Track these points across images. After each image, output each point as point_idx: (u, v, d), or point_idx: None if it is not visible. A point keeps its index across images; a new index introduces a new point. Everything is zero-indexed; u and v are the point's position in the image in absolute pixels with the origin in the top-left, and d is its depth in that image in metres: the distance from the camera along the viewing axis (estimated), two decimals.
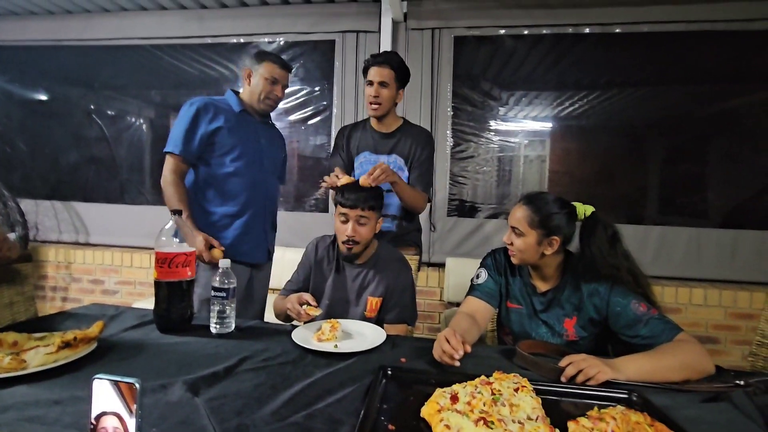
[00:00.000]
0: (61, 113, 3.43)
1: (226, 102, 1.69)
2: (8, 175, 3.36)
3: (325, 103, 3.01)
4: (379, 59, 1.70)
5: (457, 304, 2.78)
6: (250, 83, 1.69)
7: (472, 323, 1.16)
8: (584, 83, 2.87)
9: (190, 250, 1.15)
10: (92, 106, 3.41)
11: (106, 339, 1.04)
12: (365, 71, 1.74)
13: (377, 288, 1.40)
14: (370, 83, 1.70)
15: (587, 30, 2.72)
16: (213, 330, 1.15)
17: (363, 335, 1.18)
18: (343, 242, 1.36)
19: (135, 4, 3.04)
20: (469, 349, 0.92)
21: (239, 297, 1.59)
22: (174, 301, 1.13)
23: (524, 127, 2.98)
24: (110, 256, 3.09)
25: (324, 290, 1.43)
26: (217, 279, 1.15)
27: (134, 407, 0.55)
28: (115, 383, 0.56)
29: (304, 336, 1.12)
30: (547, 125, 2.98)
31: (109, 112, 3.42)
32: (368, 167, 1.73)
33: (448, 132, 2.88)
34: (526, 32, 2.77)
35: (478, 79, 2.94)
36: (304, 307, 1.22)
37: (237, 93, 1.73)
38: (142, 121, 3.48)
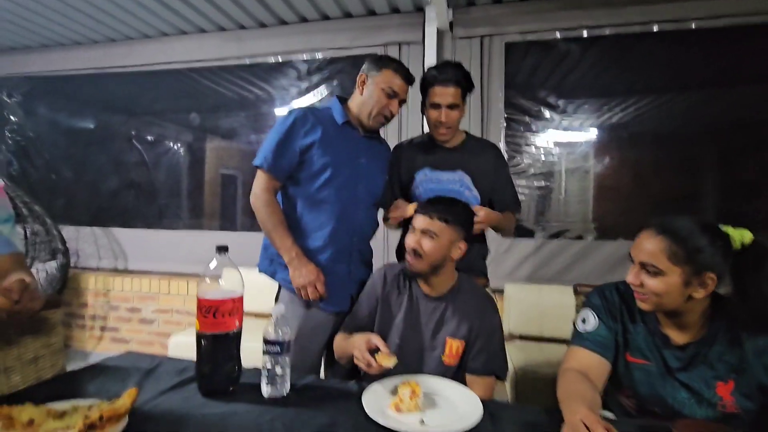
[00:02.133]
0: (103, 140, 3.45)
1: (328, 111, 1.44)
2: (52, 202, 3.37)
3: None
4: (445, 77, 1.43)
5: (522, 338, 2.50)
6: (363, 92, 1.42)
7: (593, 387, 0.90)
8: (656, 85, 2.59)
9: (238, 296, 0.95)
10: (133, 132, 3.41)
11: (139, 407, 0.85)
12: (425, 89, 1.48)
13: (459, 328, 1.16)
14: (436, 106, 1.45)
15: (656, 28, 2.44)
16: (264, 393, 0.94)
17: (449, 402, 0.94)
18: (408, 253, 1.16)
19: (175, 28, 3.01)
20: None
21: (316, 351, 1.39)
22: (220, 358, 0.93)
23: (587, 136, 2.71)
24: (148, 283, 3.00)
25: (392, 328, 1.21)
26: (270, 329, 0.95)
27: None
28: None
29: (378, 404, 0.89)
30: (614, 133, 2.69)
31: (148, 138, 3.40)
32: (429, 186, 1.51)
33: (501, 144, 2.63)
34: (585, 34, 2.52)
35: (532, 87, 2.71)
36: (376, 355, 0.99)
37: (343, 101, 1.48)
38: (179, 145, 3.45)
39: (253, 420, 0.82)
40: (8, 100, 3.47)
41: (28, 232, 2.94)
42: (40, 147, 3.47)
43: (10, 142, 3.46)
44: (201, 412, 0.85)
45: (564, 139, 2.72)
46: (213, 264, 0.95)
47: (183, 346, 2.29)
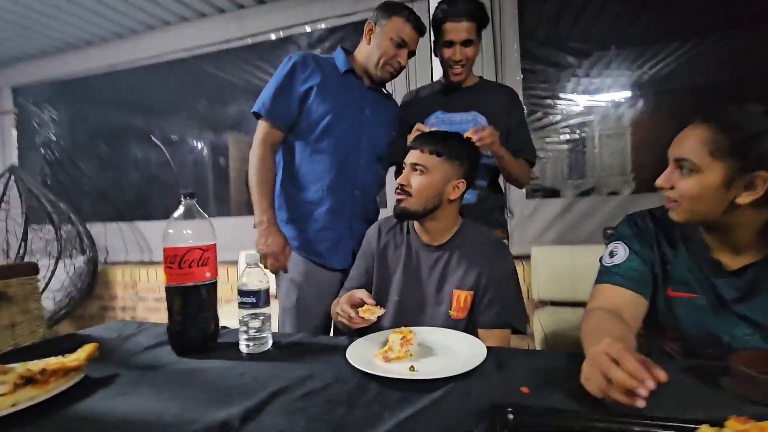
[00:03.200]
0: (120, 136, 3.50)
1: (331, 60, 1.36)
2: (81, 201, 3.48)
3: None
4: (456, 11, 1.30)
5: (552, 304, 2.31)
6: (370, 41, 1.32)
7: (623, 325, 0.74)
8: (682, 25, 2.28)
9: (208, 243, 0.86)
10: (147, 126, 3.44)
11: (109, 365, 0.78)
12: (437, 26, 1.35)
13: (465, 278, 1.01)
14: (449, 43, 1.33)
15: None
16: (243, 349, 0.84)
17: (450, 349, 0.80)
18: (395, 190, 1.04)
19: (177, 15, 2.99)
20: (663, 376, 0.51)
21: (321, 313, 1.29)
22: (190, 312, 0.84)
23: (610, 85, 2.44)
24: None
25: (391, 285, 1.08)
26: (244, 279, 0.85)
27: None
28: None
29: (363, 354, 0.77)
30: (652, 81, 2.40)
31: (162, 130, 3.42)
32: (443, 128, 1.37)
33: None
34: None
35: (555, 36, 2.47)
36: (360, 309, 0.87)
37: (349, 52, 1.39)
38: (193, 135, 3.45)
39: (220, 375, 0.73)
40: (34, 107, 3.60)
41: (59, 232, 3.04)
42: (65, 148, 3.58)
43: (39, 146, 3.59)
44: (169, 369, 0.77)
45: (594, 90, 2.46)
46: (179, 211, 0.86)
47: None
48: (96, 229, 3.31)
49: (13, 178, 3.09)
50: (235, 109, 3.32)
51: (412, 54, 1.35)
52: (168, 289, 0.84)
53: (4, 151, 3.60)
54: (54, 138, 3.59)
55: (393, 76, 1.35)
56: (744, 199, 0.70)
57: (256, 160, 1.27)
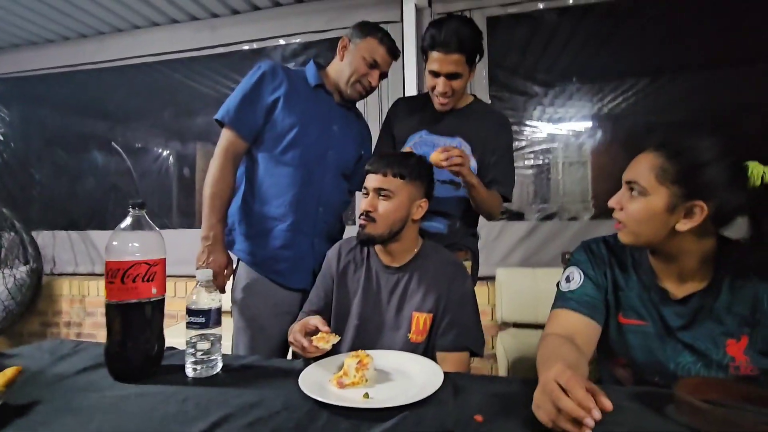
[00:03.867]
0: (78, 140, 3.33)
1: (302, 72, 1.33)
2: (29, 207, 3.25)
3: None
4: (447, 40, 1.19)
5: (515, 325, 2.33)
6: (343, 57, 1.31)
7: (577, 351, 0.75)
8: (639, 64, 2.45)
9: (156, 258, 0.81)
10: (109, 132, 3.29)
11: (33, 391, 0.70)
12: (424, 50, 1.27)
13: (424, 301, 1.00)
14: (435, 73, 1.25)
15: None
16: (189, 373, 0.79)
17: (406, 375, 0.78)
18: (359, 216, 1.01)
19: (147, 20, 2.91)
20: (609, 405, 0.51)
21: (277, 334, 1.23)
22: (132, 332, 0.78)
23: (573, 115, 2.57)
24: None
25: (351, 308, 1.06)
26: (194, 297, 0.80)
27: None
28: None
29: (317, 379, 0.74)
30: (611, 115, 2.55)
31: (125, 137, 3.28)
32: (422, 150, 1.31)
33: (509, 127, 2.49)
34: (571, 2, 2.39)
35: (518, 64, 2.58)
36: (315, 337, 0.83)
37: (321, 66, 1.37)
38: (157, 143, 3.33)
39: (158, 401, 0.67)
40: None
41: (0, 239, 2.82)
42: (16, 151, 3.35)
43: None
44: (102, 394, 0.71)
45: (557, 119, 2.58)
46: (126, 222, 0.81)
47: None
48: (43, 238, 3.10)
49: None
50: (203, 118, 3.24)
51: (383, 76, 1.34)
52: (108, 306, 0.78)
53: None
54: (2, 139, 3.36)
55: (363, 95, 1.34)
56: (683, 226, 0.73)
57: (214, 169, 1.23)
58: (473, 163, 1.34)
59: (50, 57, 3.16)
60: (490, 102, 2.50)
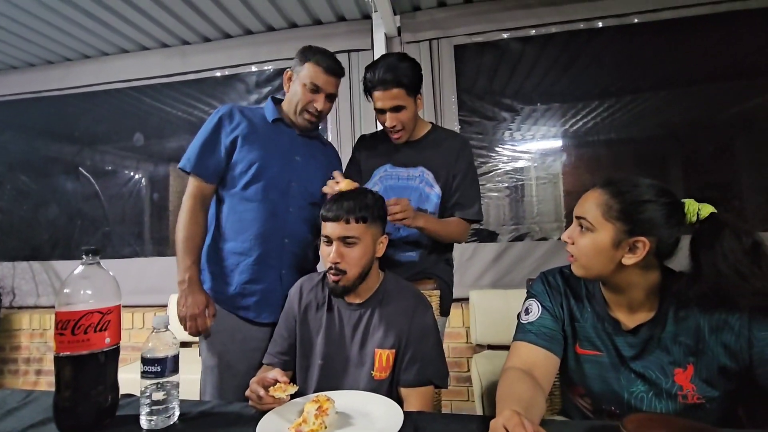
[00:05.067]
0: (42, 165, 3.23)
1: (260, 110, 1.36)
2: None
3: (320, 127, 2.74)
4: (383, 78, 1.25)
5: (489, 347, 2.35)
6: (289, 89, 1.33)
7: (533, 387, 0.76)
8: (600, 87, 2.59)
9: (110, 305, 0.79)
10: (75, 156, 3.21)
11: None
12: (368, 93, 1.32)
13: (386, 337, 1.00)
14: (381, 111, 1.31)
15: (600, 24, 2.45)
16: (144, 425, 0.77)
17: (368, 418, 0.78)
18: (328, 270, 1.00)
19: (115, 47, 2.89)
20: None
21: (244, 371, 1.19)
22: (83, 385, 0.75)
23: (541, 137, 2.67)
24: None
25: (314, 347, 1.05)
26: (150, 344, 0.78)
27: None
28: None
29: (276, 427, 0.72)
30: (577, 135, 2.65)
31: (93, 161, 3.20)
32: (388, 183, 1.38)
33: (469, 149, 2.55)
34: (533, 32, 2.51)
35: (486, 90, 2.67)
36: (272, 388, 0.80)
37: (278, 101, 1.39)
38: (128, 165, 3.26)
39: None
40: None
41: None
42: None
43: None
44: None
45: (526, 141, 2.67)
46: (78, 270, 0.79)
47: (125, 383, 2.04)
48: (2, 269, 2.96)
49: None
50: (175, 143, 3.20)
51: (332, 98, 1.33)
52: (57, 359, 0.75)
53: None
54: None
55: (313, 122, 1.33)
56: (628, 260, 0.77)
57: (184, 214, 1.24)
58: (437, 190, 1.38)
59: (15, 83, 3.09)
60: (459, 127, 2.57)
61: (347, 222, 0.99)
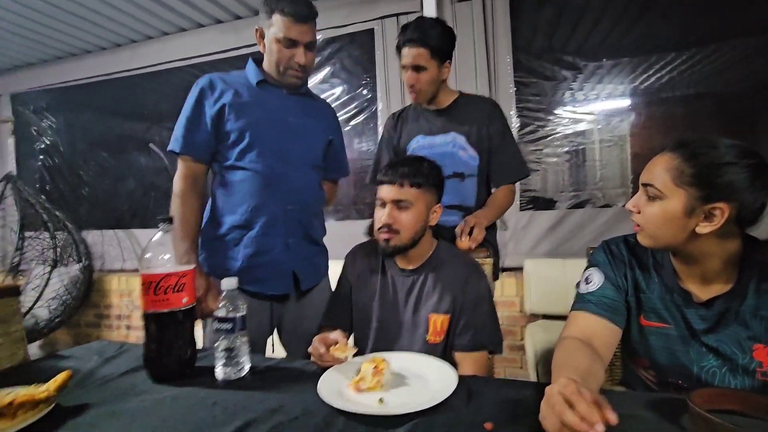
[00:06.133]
0: (118, 143, 3.53)
1: (242, 75, 1.26)
2: (78, 208, 3.50)
3: (369, 96, 2.73)
4: (411, 36, 1.31)
5: (544, 317, 2.30)
6: (264, 48, 1.22)
7: (592, 356, 0.74)
8: (677, 37, 2.29)
9: (185, 269, 0.87)
10: (146, 134, 3.46)
11: (82, 393, 0.78)
12: (398, 50, 1.37)
13: (441, 302, 1.02)
14: (404, 68, 1.37)
15: None
16: (219, 375, 0.85)
17: (422, 379, 0.81)
18: (379, 230, 1.01)
19: (175, 26, 3.02)
20: (613, 419, 0.51)
21: (262, 342, 1.24)
22: (166, 339, 0.85)
23: (606, 96, 2.45)
24: None
25: (370, 312, 1.09)
26: (221, 306, 0.86)
27: None
28: None
29: (335, 384, 0.77)
30: (649, 93, 2.41)
31: (162, 137, 3.44)
32: (422, 153, 1.38)
33: (512, 112, 2.43)
34: None
35: (545, 48, 2.48)
36: (332, 347, 0.85)
37: (259, 61, 1.28)
38: None
39: (191, 405, 0.73)
40: (33, 115, 3.63)
41: (54, 239, 3.06)
42: (64, 156, 3.60)
43: (37, 153, 3.62)
44: (144, 397, 0.78)
45: (590, 102, 2.47)
46: (156, 236, 0.87)
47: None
48: (93, 236, 3.33)
49: (9, 186, 3.11)
50: None
51: (312, 46, 1.20)
52: (144, 316, 0.85)
53: (1, 159, 3.62)
54: (52, 145, 3.61)
55: (301, 77, 1.23)
56: (703, 228, 0.70)
57: (175, 198, 1.20)
58: (471, 152, 1.41)
59: (89, 67, 3.35)
60: (515, 89, 2.43)
61: (401, 186, 1.00)
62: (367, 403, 0.70)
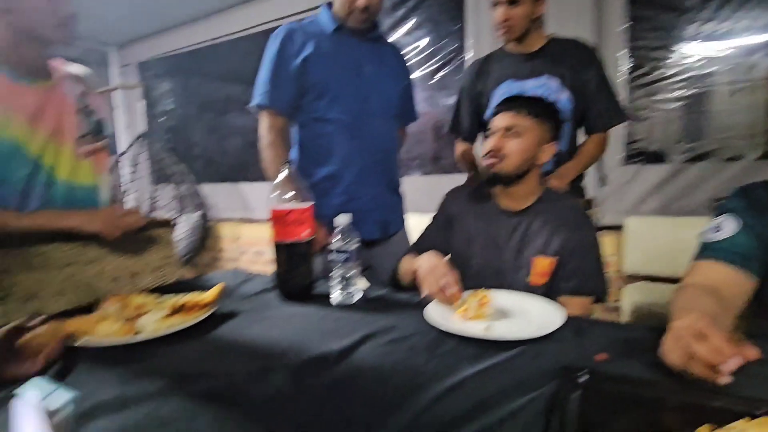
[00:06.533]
0: (223, 105, 3.87)
1: (317, 23, 1.27)
2: (193, 164, 3.98)
3: (455, 46, 2.62)
4: None
5: (644, 278, 2.15)
6: None
7: (718, 304, 0.70)
8: None
9: (305, 206, 0.97)
10: (242, 97, 3.74)
11: (230, 304, 0.95)
12: None
13: (548, 244, 1.00)
14: (495, 4, 1.29)
15: None
16: (335, 300, 0.96)
17: (527, 314, 0.83)
18: (484, 157, 1.02)
19: None
20: (754, 353, 0.49)
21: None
22: (292, 265, 0.98)
23: (743, 30, 2.06)
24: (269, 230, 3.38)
25: (469, 252, 1.11)
26: (337, 240, 0.95)
27: None
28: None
29: (442, 312, 0.83)
30: None
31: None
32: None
33: (621, 53, 2.17)
34: None
35: None
36: (449, 291, 0.85)
37: (332, 6, 1.28)
38: None
39: (320, 320, 0.85)
40: (155, 80, 4.12)
41: (179, 190, 3.54)
42: (180, 117, 4.07)
43: (160, 115, 4.14)
44: (276, 311, 0.91)
45: (720, 37, 2.10)
46: (280, 177, 0.98)
47: None
48: (206, 189, 3.78)
49: (143, 143, 3.62)
50: None
51: None
52: (275, 246, 0.98)
53: (135, 120, 4.21)
54: (171, 108, 4.09)
55: (368, 18, 1.22)
56: None
57: (265, 150, 1.25)
58: (565, 95, 1.32)
59: (195, 33, 3.65)
60: (629, 24, 2.16)
61: (517, 113, 0.99)
62: (474, 330, 0.75)
